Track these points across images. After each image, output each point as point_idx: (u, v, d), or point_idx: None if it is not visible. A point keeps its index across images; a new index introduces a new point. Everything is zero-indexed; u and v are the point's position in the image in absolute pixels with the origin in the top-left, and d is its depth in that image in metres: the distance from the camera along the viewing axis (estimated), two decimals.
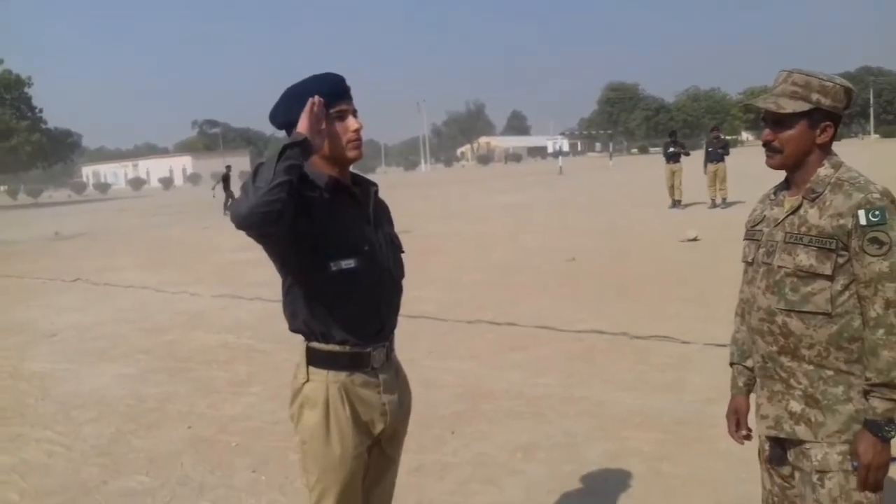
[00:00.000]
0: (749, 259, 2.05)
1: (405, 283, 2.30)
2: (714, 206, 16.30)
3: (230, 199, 24.07)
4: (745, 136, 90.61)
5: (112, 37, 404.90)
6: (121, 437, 4.60)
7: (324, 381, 2.05)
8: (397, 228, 2.33)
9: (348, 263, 2.01)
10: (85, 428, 4.81)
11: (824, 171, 1.90)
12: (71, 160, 73.40)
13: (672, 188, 17.13)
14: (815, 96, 1.87)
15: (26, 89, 57.27)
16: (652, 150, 75.71)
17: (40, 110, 58.85)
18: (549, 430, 4.23)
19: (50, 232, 22.74)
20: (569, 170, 44.98)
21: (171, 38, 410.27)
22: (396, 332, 2.26)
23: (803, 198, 1.91)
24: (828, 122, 1.90)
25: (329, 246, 2.00)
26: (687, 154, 17.53)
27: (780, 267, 1.90)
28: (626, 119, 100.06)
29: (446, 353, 6.02)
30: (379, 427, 2.12)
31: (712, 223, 13.29)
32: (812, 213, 1.87)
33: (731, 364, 2.23)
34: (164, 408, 5.11)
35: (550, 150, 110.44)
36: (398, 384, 2.22)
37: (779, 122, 1.91)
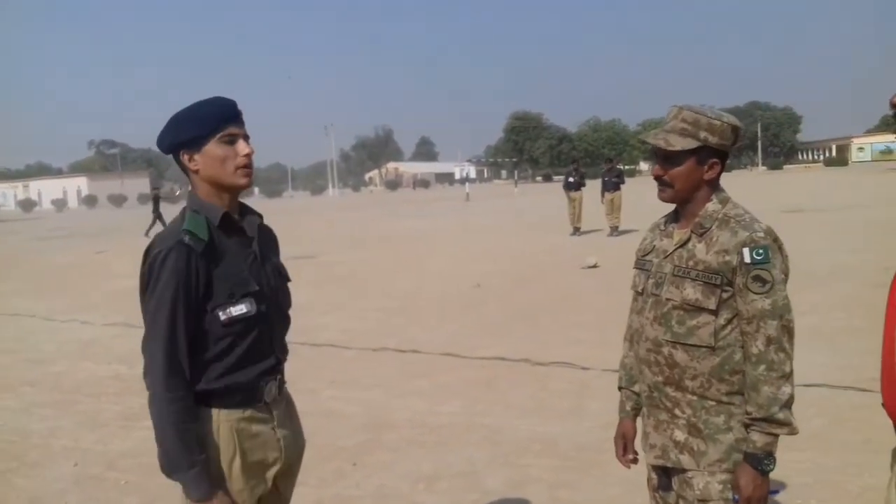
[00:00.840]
0: (639, 289, 2.10)
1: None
2: (612, 233, 16.86)
3: (157, 222, 23.45)
4: (643, 165, 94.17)
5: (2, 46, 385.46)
6: (1, 476, 4.31)
7: (213, 421, 1.93)
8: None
9: (239, 309, 1.92)
10: None
11: (712, 206, 1.97)
12: None
13: (573, 216, 17.66)
14: (703, 134, 1.93)
15: None
16: (556, 177, 77.72)
17: None
18: (450, 458, 4.24)
19: None
20: (476, 196, 45.64)
21: (69, 53, 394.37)
22: (291, 363, 2.21)
23: (692, 232, 1.97)
24: (715, 160, 1.96)
25: (219, 295, 1.91)
26: (583, 184, 18.10)
27: (668, 299, 1.96)
28: (531, 147, 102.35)
29: (350, 382, 5.95)
30: (274, 467, 2.03)
31: (610, 250, 13.71)
32: (700, 248, 1.93)
33: (620, 388, 2.30)
34: (48, 444, 4.83)
35: (458, 176, 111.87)
36: (290, 418, 2.17)
37: (668, 158, 1.97)
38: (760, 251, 1.85)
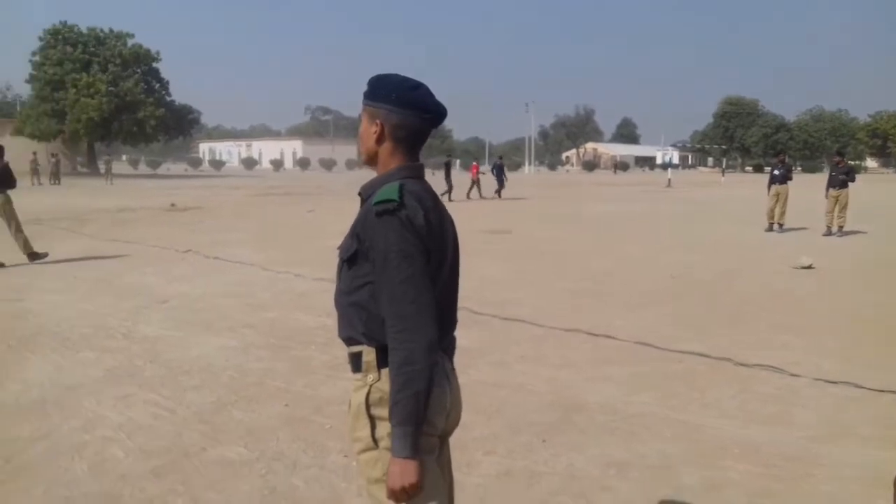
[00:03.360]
0: None
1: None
2: (829, 233, 15.55)
3: (450, 188, 25.74)
4: (870, 162, 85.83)
5: (236, 19, 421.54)
6: (222, 407, 4.77)
7: None
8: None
9: None
10: (189, 394, 5.01)
11: None
12: (190, 136, 76.88)
13: (771, 210, 16.50)
14: None
15: (154, 64, 60.18)
16: (767, 168, 72.89)
17: (167, 83, 61.67)
18: (643, 449, 4.12)
19: (166, 203, 23.89)
20: (678, 183, 43.85)
21: (292, 24, 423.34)
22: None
23: None
24: None
25: None
26: (789, 178, 16.82)
27: None
28: (743, 135, 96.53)
29: (540, 359, 5.95)
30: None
31: (826, 251, 12.65)
32: None
33: None
34: (263, 383, 5.27)
35: (659, 160, 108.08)
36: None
37: None
38: None
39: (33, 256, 10.75)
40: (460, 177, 27.89)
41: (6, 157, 10.94)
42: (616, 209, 23.32)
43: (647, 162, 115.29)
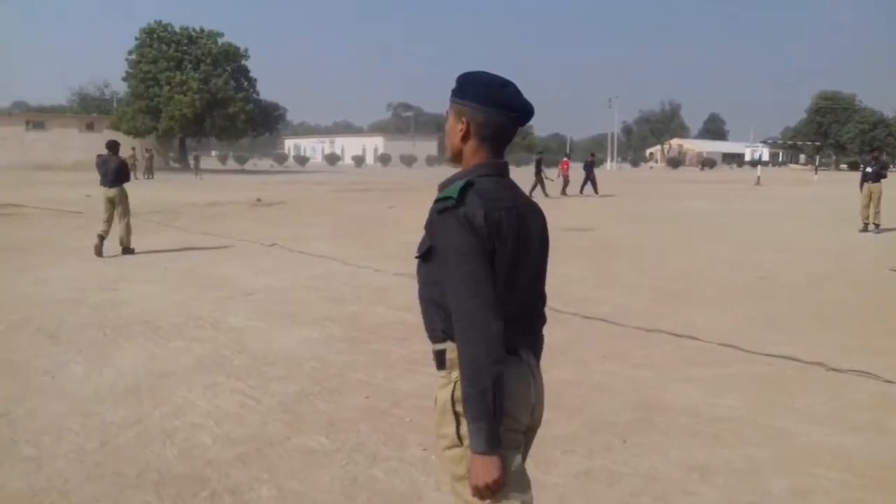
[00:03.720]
0: None
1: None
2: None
3: (540, 185, 25.99)
4: None
5: (321, 18, 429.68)
6: (304, 398, 4.88)
7: None
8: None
9: None
10: (273, 384, 5.15)
11: None
12: (276, 132, 78.92)
13: (865, 209, 15.76)
14: None
15: (244, 61, 61.95)
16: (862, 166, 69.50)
17: (255, 81, 63.38)
18: (727, 454, 4.01)
19: (253, 198, 24.60)
20: (767, 180, 42.35)
21: (375, 23, 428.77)
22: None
23: None
24: None
25: None
26: (883, 176, 16.02)
27: None
28: (838, 131, 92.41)
29: (621, 358, 5.86)
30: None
31: None
32: None
33: None
34: (344, 375, 5.37)
35: (748, 157, 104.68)
36: None
37: None
38: None
39: (127, 251, 11.27)
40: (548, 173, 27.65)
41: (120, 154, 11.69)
42: (702, 207, 22.71)
43: (734, 159, 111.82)
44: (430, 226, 1.95)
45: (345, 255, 11.23)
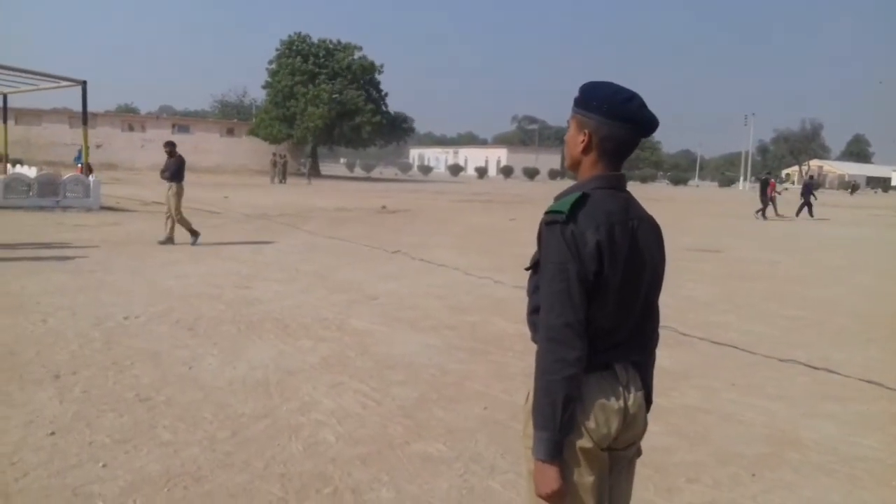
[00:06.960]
0: None
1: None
2: None
3: (768, 205, 26.48)
4: None
5: (455, 34, 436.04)
6: (424, 404, 4.94)
7: None
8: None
9: None
10: (394, 388, 5.25)
11: None
12: (403, 142, 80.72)
13: None
14: None
15: (376, 75, 63.82)
16: None
17: (386, 94, 65.16)
18: (865, 496, 3.75)
19: (378, 205, 25.23)
20: None
21: (502, 36, 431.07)
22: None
23: None
24: None
25: None
26: None
27: None
28: None
29: (751, 388, 5.60)
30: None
31: None
32: None
33: None
34: (463, 384, 5.40)
35: (895, 182, 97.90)
36: None
37: None
38: None
39: (167, 241, 12.72)
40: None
41: (178, 154, 13.31)
42: (843, 233, 21.43)
43: (879, 183, 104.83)
44: (539, 236, 1.97)
45: (465, 265, 11.32)
